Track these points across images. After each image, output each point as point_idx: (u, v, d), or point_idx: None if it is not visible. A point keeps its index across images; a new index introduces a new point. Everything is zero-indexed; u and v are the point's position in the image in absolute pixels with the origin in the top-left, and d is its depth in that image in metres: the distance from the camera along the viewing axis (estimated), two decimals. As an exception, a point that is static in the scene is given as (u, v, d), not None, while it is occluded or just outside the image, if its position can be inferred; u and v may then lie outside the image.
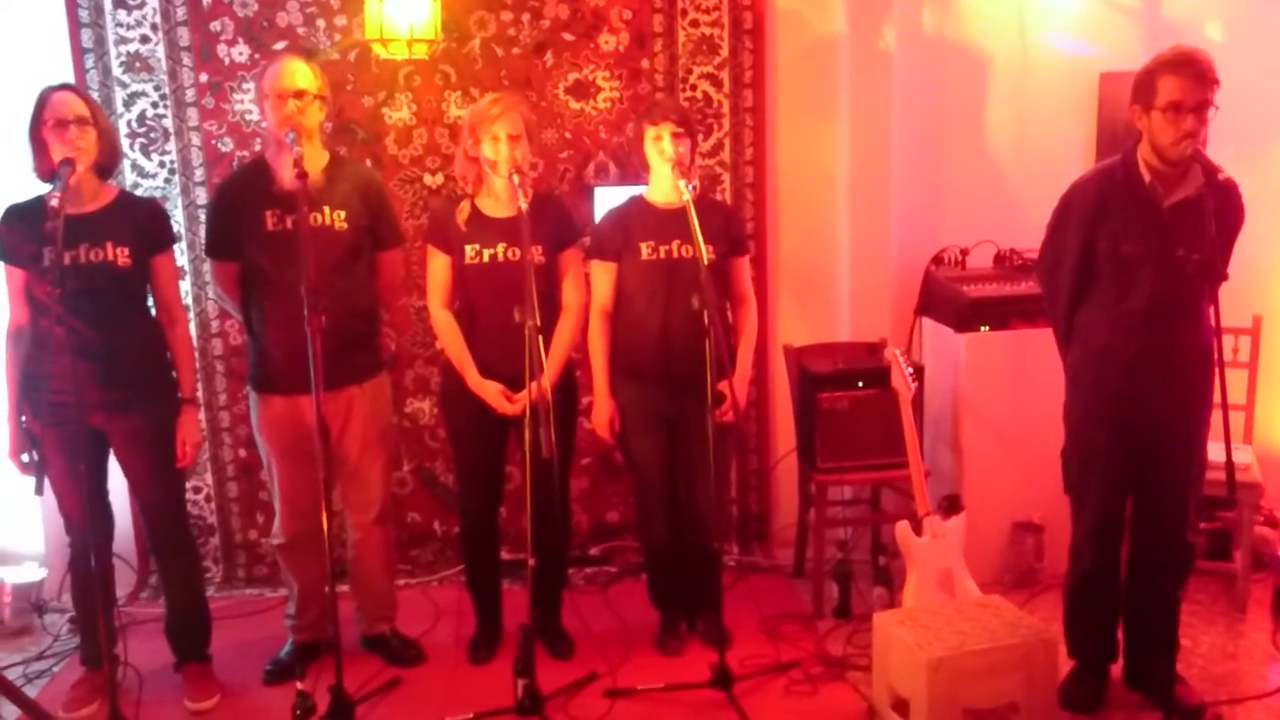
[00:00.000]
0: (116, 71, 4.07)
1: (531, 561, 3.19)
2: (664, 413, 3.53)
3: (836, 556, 4.07)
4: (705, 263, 3.19)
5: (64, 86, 3.19)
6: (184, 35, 4.07)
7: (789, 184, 4.37)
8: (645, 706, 3.34)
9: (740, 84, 4.28)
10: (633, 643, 3.71)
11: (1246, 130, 4.10)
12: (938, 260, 4.30)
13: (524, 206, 3.18)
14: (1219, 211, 2.90)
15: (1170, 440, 3.12)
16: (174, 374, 3.36)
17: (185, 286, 4.11)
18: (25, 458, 3.22)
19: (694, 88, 4.27)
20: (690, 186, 3.30)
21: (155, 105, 4.11)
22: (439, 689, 3.48)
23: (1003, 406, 4.03)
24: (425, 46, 4.00)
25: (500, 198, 3.43)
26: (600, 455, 4.38)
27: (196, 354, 3.90)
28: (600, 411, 3.56)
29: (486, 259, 3.40)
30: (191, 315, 4.10)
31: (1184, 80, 2.89)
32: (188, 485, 4.03)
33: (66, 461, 3.14)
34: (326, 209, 3.34)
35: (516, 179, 3.25)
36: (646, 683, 3.43)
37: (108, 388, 3.18)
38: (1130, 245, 3.05)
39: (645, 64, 4.24)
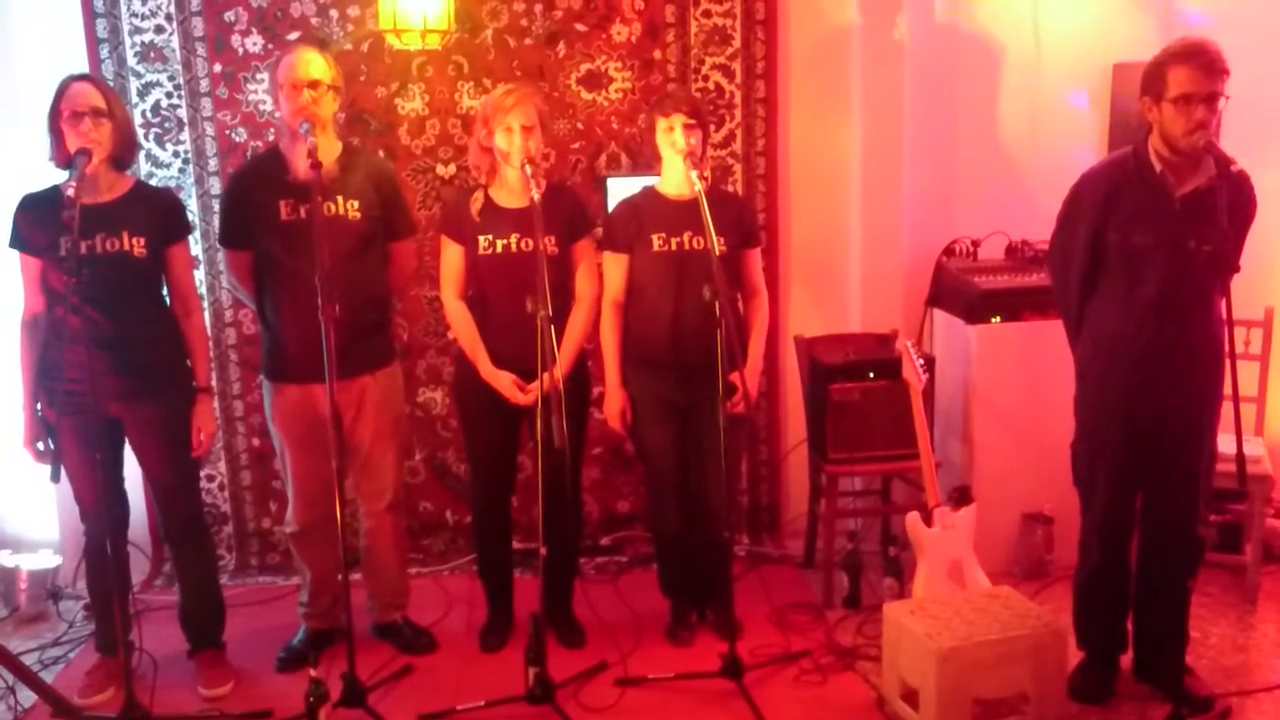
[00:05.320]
0: (131, 62, 4.09)
1: (543, 551, 3.21)
2: (676, 403, 3.53)
3: (847, 547, 4.08)
4: (717, 254, 3.19)
5: (83, 77, 3.21)
6: (198, 25, 4.08)
7: (800, 175, 4.37)
8: (655, 695, 3.36)
9: (752, 75, 4.27)
10: (643, 632, 3.72)
11: (1259, 122, 4.08)
12: (949, 251, 4.30)
13: (536, 197, 3.17)
14: (1231, 203, 2.90)
15: (1179, 432, 3.12)
16: (189, 363, 3.38)
17: (199, 276, 4.14)
18: (41, 446, 3.24)
19: (706, 78, 4.26)
20: (702, 178, 3.31)
21: (170, 95, 4.13)
22: (450, 677, 3.50)
23: (1014, 398, 4.02)
24: (438, 37, 4.00)
25: (513, 188, 3.43)
26: (611, 445, 4.39)
27: (211, 343, 3.92)
28: (612, 402, 3.56)
29: (500, 249, 3.41)
30: (206, 305, 4.11)
31: (1194, 71, 2.88)
32: (202, 474, 4.05)
33: (82, 450, 3.16)
34: (340, 199, 3.35)
35: (529, 170, 3.25)
36: (657, 672, 3.44)
37: (123, 377, 3.19)
38: (1141, 236, 3.04)
39: (657, 55, 4.24)
